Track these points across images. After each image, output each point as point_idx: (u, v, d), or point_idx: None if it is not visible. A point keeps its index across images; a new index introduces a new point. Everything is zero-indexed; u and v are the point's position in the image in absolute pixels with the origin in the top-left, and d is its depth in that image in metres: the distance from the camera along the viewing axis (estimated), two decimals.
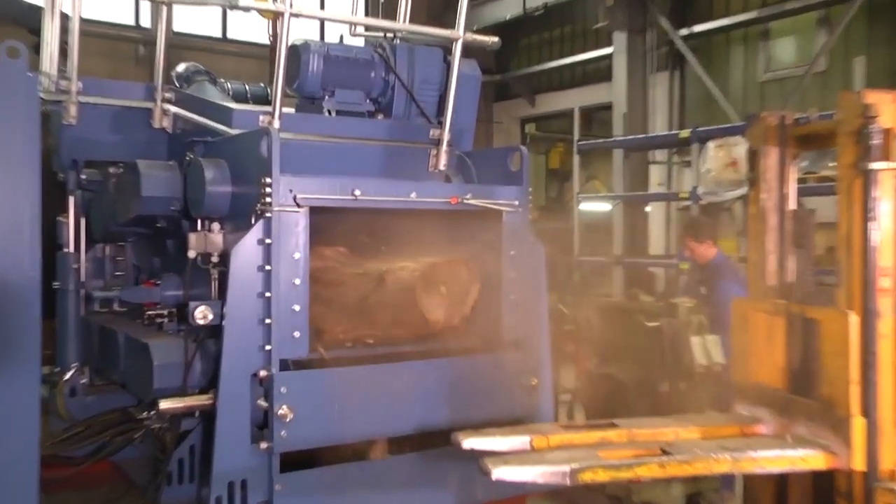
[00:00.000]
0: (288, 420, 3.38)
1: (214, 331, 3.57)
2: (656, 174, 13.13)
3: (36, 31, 4.45)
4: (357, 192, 3.59)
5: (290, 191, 3.44)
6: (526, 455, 2.87)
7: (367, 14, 13.35)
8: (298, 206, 3.46)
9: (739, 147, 7.92)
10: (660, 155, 12.92)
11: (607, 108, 14.15)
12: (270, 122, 3.79)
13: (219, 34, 15.29)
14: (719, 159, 8.26)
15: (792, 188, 3.18)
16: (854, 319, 2.74)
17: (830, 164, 7.50)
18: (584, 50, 15.47)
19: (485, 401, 3.89)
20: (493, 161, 4.30)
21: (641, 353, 5.99)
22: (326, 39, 4.34)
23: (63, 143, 4.34)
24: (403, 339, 3.93)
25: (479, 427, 3.53)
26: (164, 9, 4.30)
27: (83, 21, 4.05)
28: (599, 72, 14.92)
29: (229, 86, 5.38)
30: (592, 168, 16.69)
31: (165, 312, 4.00)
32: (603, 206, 13.20)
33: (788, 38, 12.23)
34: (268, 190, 3.38)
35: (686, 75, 13.48)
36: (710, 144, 8.46)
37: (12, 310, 3.18)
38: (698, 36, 12.97)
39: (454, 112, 4.20)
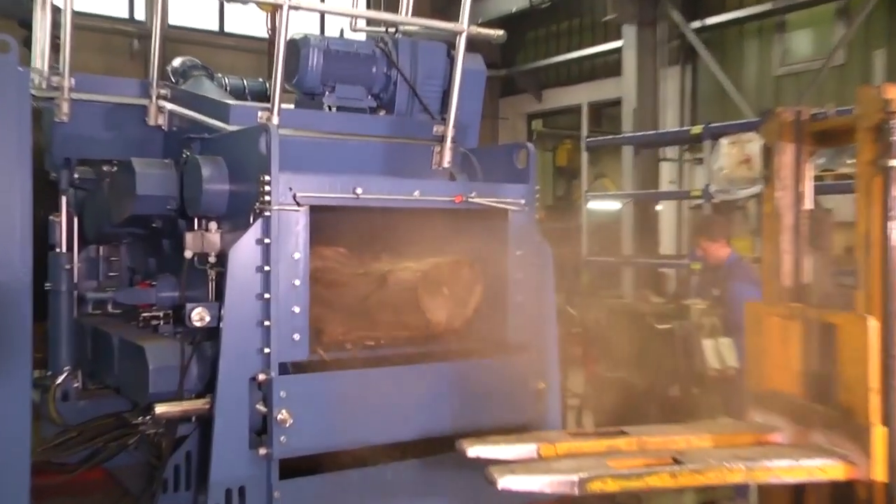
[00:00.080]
0: (287, 425, 3.38)
1: (212, 333, 3.57)
2: (667, 172, 13.13)
3: (27, 24, 4.45)
4: (359, 191, 3.59)
5: (290, 189, 3.44)
6: (533, 464, 2.86)
7: (368, 7, 13.35)
8: (298, 204, 3.46)
9: (753, 144, 7.91)
10: (671, 152, 12.92)
11: (616, 103, 14.15)
12: (269, 119, 3.79)
13: (216, 27, 15.31)
14: (732, 156, 8.24)
15: (808, 186, 3.17)
16: (873, 324, 2.72)
17: (848, 162, 7.49)
18: (592, 43, 15.48)
19: (491, 406, 3.88)
20: (499, 158, 4.29)
21: (652, 357, 5.97)
22: (327, 33, 4.34)
23: (55, 141, 4.34)
24: (405, 340, 3.93)
25: (484, 433, 3.53)
26: (160, 1, 4.30)
27: (76, 14, 4.04)
28: (608, 66, 14.91)
29: (227, 81, 5.39)
30: (601, 165, 16.67)
31: (161, 314, 4.00)
32: (612, 205, 13.19)
33: (805, 31, 12.22)
34: (267, 188, 3.38)
35: (698, 69, 13.47)
36: (723, 141, 8.44)
37: (3, 312, 3.18)
38: (711, 28, 12.96)
39: (458, 108, 4.19)
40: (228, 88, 5.32)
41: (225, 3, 14.29)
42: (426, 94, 4.41)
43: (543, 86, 16.99)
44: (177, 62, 5.30)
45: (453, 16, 4.17)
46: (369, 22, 4.87)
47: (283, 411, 3.37)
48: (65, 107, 4.20)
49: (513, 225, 4.00)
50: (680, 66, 13.55)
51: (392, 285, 3.84)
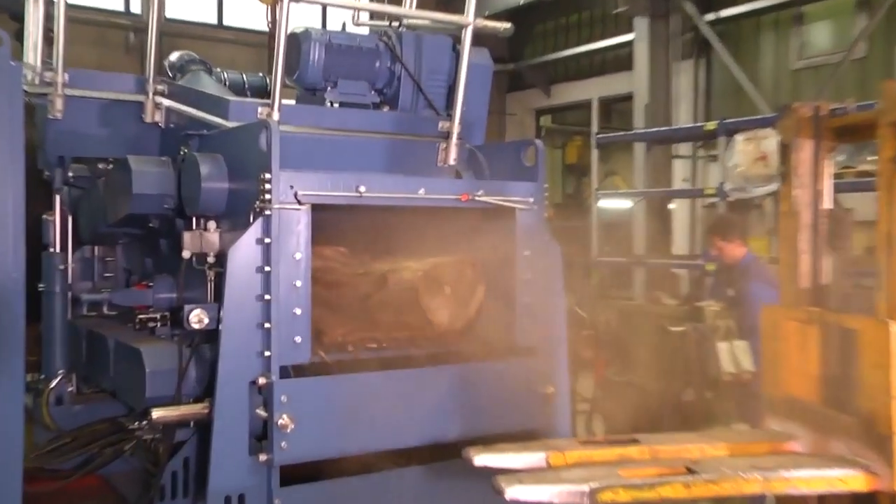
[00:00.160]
0: (288, 431, 3.38)
1: (210, 336, 3.58)
2: (680, 169, 13.12)
3: (19, 17, 4.46)
4: (362, 189, 3.59)
5: (291, 187, 3.44)
6: (541, 473, 2.86)
7: None
8: (300, 203, 3.46)
9: (770, 140, 7.90)
10: (684, 149, 12.92)
11: (628, 98, 14.16)
12: (269, 115, 3.79)
13: (214, 21, 15.34)
14: (748, 153, 8.23)
15: (827, 184, 3.15)
16: (895, 329, 2.71)
17: (869, 159, 7.47)
18: (602, 37, 15.48)
19: (497, 410, 3.88)
20: (506, 155, 4.29)
21: (664, 360, 5.97)
22: (328, 27, 4.34)
23: (48, 139, 4.35)
24: (408, 342, 3.94)
25: (491, 438, 3.53)
26: None
27: (69, 7, 4.06)
28: (619, 60, 14.91)
29: (226, 76, 5.39)
30: (612, 163, 16.68)
31: (158, 316, 4.00)
32: (623, 204, 13.19)
33: (824, 22, 12.19)
34: (267, 186, 3.38)
35: (712, 63, 13.46)
36: (738, 137, 8.44)
37: None
38: (725, 21, 12.95)
39: (464, 103, 4.19)
40: (227, 84, 5.32)
41: None
42: (431, 89, 4.41)
43: (552, 80, 17.00)
44: (174, 57, 5.30)
45: (458, 8, 4.17)
46: (372, 15, 4.87)
47: (284, 416, 3.37)
48: (58, 103, 4.21)
49: (521, 224, 4.00)
50: (693, 59, 13.54)
51: (392, 285, 3.85)
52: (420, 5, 4.67)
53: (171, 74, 5.16)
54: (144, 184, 3.89)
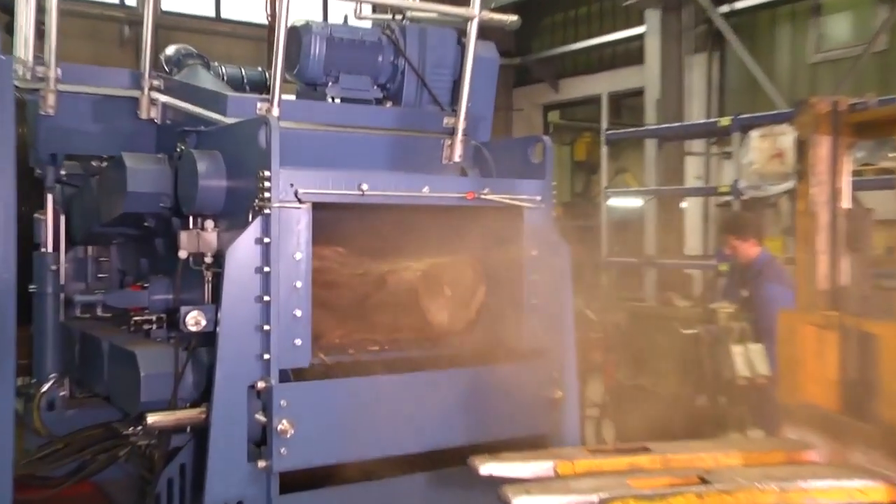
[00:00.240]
0: (288, 436, 3.38)
1: (208, 338, 3.58)
2: (693, 166, 13.10)
3: (9, 9, 4.46)
4: (364, 187, 3.59)
5: (291, 185, 3.44)
6: (549, 483, 2.86)
7: None
8: (300, 201, 3.46)
9: (786, 136, 7.89)
10: (697, 145, 12.90)
11: (639, 93, 14.15)
12: (269, 110, 3.79)
13: (212, 13, 15.37)
14: (763, 150, 8.23)
15: (846, 182, 3.15)
16: None
17: (890, 155, 7.45)
18: (613, 29, 15.47)
19: (504, 415, 3.88)
20: (513, 152, 4.29)
21: (677, 364, 5.97)
22: (330, 20, 4.35)
23: (40, 136, 4.35)
24: (410, 343, 3.94)
25: (497, 444, 3.54)
26: None
27: None
28: (630, 54, 14.90)
29: (224, 70, 5.40)
30: (622, 160, 16.69)
31: (154, 318, 4.01)
32: (634, 202, 13.19)
33: (843, 14, 12.17)
34: (266, 184, 3.39)
35: (726, 57, 13.44)
36: (754, 134, 8.43)
37: None
38: (740, 13, 12.93)
39: (470, 99, 4.19)
40: (225, 78, 5.33)
41: None
42: (435, 84, 4.41)
43: (560, 75, 17.00)
44: (170, 50, 5.31)
45: (464, 0, 4.17)
46: (375, 8, 4.87)
47: (284, 421, 3.37)
48: (50, 99, 4.21)
49: (528, 223, 4.00)
50: (707, 53, 13.53)
51: (391, 286, 3.85)
52: None
53: (167, 69, 5.18)
54: (140, 182, 3.89)
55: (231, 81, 5.31)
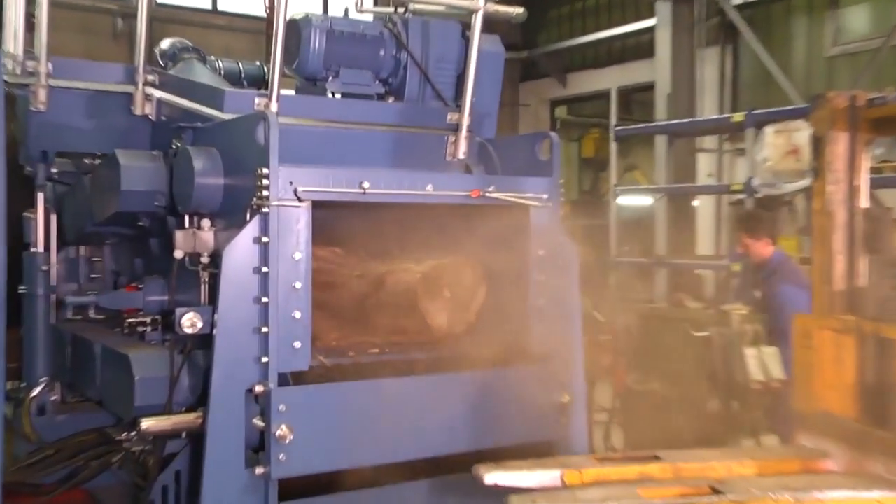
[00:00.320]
0: (287, 442, 3.38)
1: (204, 341, 3.58)
2: (705, 164, 13.10)
3: None
4: (365, 185, 3.59)
5: (291, 183, 3.45)
6: (556, 493, 2.86)
7: None
8: (299, 200, 3.46)
9: (802, 132, 7.89)
10: (709, 142, 12.89)
11: (649, 88, 14.14)
12: (267, 106, 3.80)
13: (208, 5, 15.38)
14: (778, 146, 8.23)
15: (864, 179, 3.15)
16: None
17: None
18: (622, 22, 15.47)
19: (510, 421, 3.88)
20: (519, 149, 4.30)
21: (688, 368, 5.97)
22: (330, 12, 4.35)
23: (31, 132, 4.36)
24: (413, 346, 3.95)
25: (502, 450, 3.54)
26: None
27: None
28: (640, 47, 14.90)
29: (220, 65, 5.41)
30: (632, 157, 16.68)
31: (148, 320, 4.01)
32: (644, 200, 13.18)
33: (861, 6, 12.15)
34: (265, 182, 3.39)
35: (740, 50, 13.43)
36: (768, 129, 8.43)
37: None
38: (754, 4, 12.93)
39: (474, 94, 4.19)
40: (222, 73, 5.34)
41: None
42: (439, 78, 4.41)
43: (568, 69, 17.00)
44: (165, 44, 5.31)
45: None
46: (377, 0, 4.88)
47: (283, 426, 3.38)
48: (41, 94, 4.22)
49: (534, 222, 4.01)
50: (720, 46, 13.52)
51: (389, 287, 3.85)
52: None
53: (162, 63, 5.18)
54: (134, 180, 3.90)
55: (228, 76, 5.32)
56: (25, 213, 4.51)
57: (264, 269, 3.41)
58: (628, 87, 15.75)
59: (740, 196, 9.28)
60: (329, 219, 3.77)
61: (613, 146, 11.55)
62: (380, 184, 3.64)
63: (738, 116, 9.59)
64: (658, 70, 13.62)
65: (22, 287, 4.47)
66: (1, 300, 3.30)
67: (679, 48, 13.33)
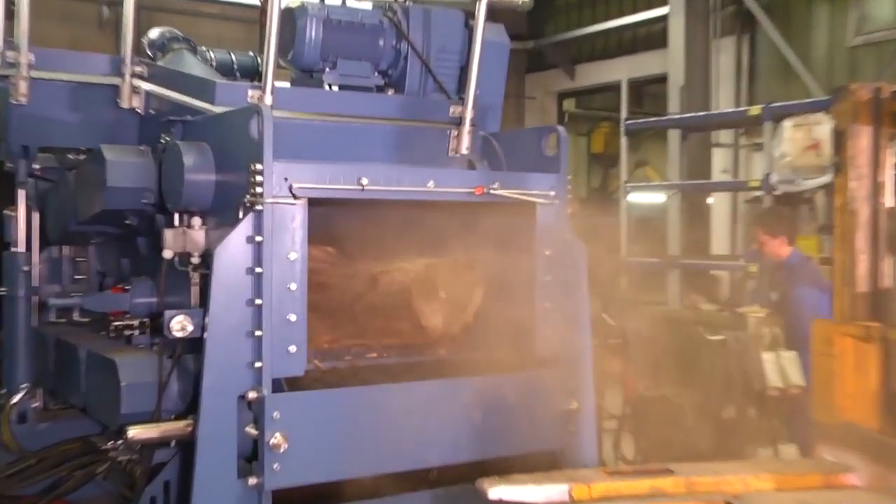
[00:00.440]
0: (281, 451, 3.39)
1: (194, 345, 3.58)
2: (720, 159, 13.10)
3: None
4: (364, 181, 3.59)
5: (285, 179, 3.45)
6: None
7: None
8: (295, 197, 3.47)
9: (822, 126, 7.89)
10: (724, 136, 12.89)
11: (661, 80, 14.14)
12: (261, 99, 3.81)
13: None
14: (797, 141, 8.22)
15: (888, 176, 3.15)
16: None
17: None
18: (633, 10, 15.47)
19: (515, 428, 3.89)
20: (525, 144, 4.30)
21: (702, 373, 5.97)
22: (327, 1, 4.35)
23: (11, 126, 4.36)
24: (406, 349, 3.95)
25: (506, 460, 3.54)
26: None
27: None
28: (652, 36, 14.89)
29: (212, 55, 5.41)
30: (643, 152, 16.69)
31: (136, 323, 4.01)
32: (656, 198, 13.18)
33: None
34: (258, 178, 3.39)
35: (757, 40, 13.43)
36: (787, 123, 8.43)
37: None
38: None
39: (478, 86, 4.19)
40: (214, 64, 5.34)
41: None
42: (441, 70, 4.42)
43: (576, 60, 16.99)
44: (154, 34, 5.32)
45: None
46: None
47: (277, 435, 3.38)
48: (23, 86, 4.22)
49: (541, 220, 4.01)
50: (736, 36, 13.51)
51: (383, 287, 3.86)
52: None
53: (150, 54, 5.18)
54: (120, 176, 3.90)
55: (220, 67, 5.32)
56: (6, 211, 4.52)
57: (258, 270, 3.41)
58: (640, 78, 15.74)
59: (757, 193, 9.27)
60: (326, 217, 3.77)
61: (624, 141, 11.54)
62: (379, 180, 3.64)
63: (756, 110, 9.59)
64: (671, 61, 13.61)
65: (2, 289, 4.47)
66: None
67: (693, 38, 13.31)
